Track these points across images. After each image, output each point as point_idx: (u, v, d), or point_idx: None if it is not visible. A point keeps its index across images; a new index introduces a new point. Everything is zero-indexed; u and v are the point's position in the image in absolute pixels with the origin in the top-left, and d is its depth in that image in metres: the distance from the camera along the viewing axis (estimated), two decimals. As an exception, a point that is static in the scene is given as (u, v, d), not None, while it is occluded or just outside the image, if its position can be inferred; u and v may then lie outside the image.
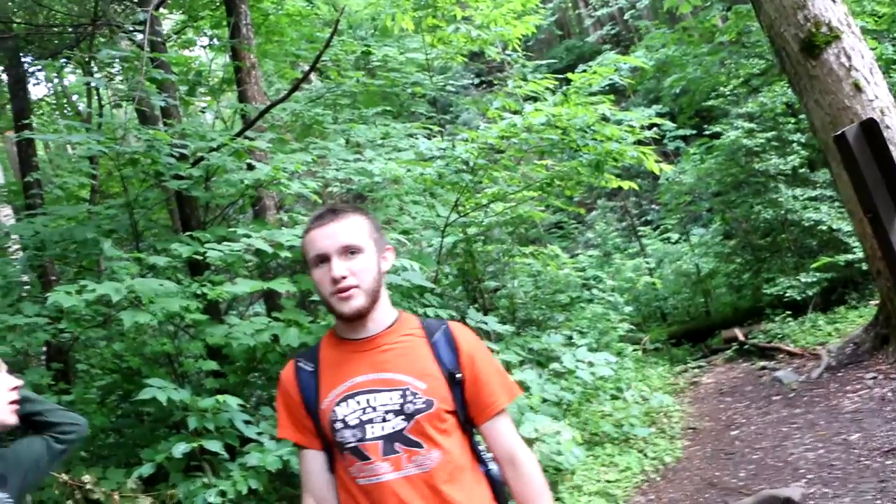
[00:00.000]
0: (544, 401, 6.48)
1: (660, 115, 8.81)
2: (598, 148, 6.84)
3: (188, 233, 5.98)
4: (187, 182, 6.14)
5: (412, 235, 7.63)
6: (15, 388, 2.15)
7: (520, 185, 8.15)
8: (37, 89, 19.83)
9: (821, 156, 9.97)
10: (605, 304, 10.94)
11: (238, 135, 6.47)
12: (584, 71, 7.44)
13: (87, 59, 9.10)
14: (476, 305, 8.17)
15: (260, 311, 8.12)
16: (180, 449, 4.52)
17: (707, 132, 14.05)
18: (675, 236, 17.66)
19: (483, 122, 10.24)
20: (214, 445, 4.56)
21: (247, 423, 4.88)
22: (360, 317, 2.07)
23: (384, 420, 2.02)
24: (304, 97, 9.90)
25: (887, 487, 4.99)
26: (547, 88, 7.63)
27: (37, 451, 2.32)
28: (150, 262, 5.23)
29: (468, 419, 2.13)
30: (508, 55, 11.66)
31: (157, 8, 7.11)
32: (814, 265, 10.96)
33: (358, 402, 2.04)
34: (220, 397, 4.67)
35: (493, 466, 2.19)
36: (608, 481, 6.49)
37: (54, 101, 14.74)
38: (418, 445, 2.02)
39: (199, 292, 5.03)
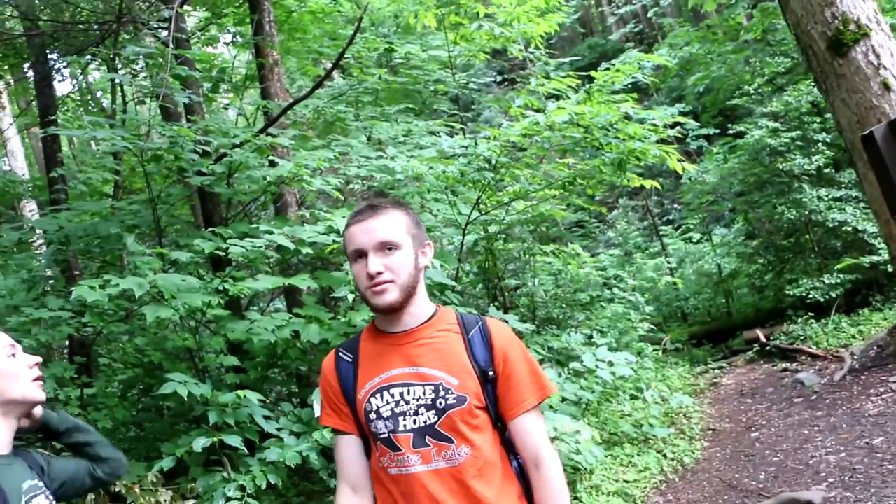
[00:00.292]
0: (563, 400, 6.46)
1: (683, 113, 8.75)
2: (621, 146, 6.81)
3: (210, 229, 6.02)
4: (210, 178, 6.17)
5: (433, 233, 7.63)
6: (35, 364, 2.18)
7: (541, 184, 8.13)
8: (62, 86, 20.07)
9: (846, 155, 9.85)
10: (625, 304, 10.88)
11: (261, 131, 6.50)
12: (607, 69, 7.41)
13: (111, 56, 9.17)
14: (496, 303, 8.16)
15: (281, 308, 8.15)
16: (200, 443, 4.56)
17: (731, 131, 13.96)
18: (696, 236, 17.56)
19: (505, 119, 10.23)
20: (234, 440, 4.59)
21: (266, 418, 4.91)
22: (395, 311, 2.11)
23: (416, 413, 2.06)
24: (326, 94, 9.93)
25: (911, 492, 4.94)
26: (569, 86, 7.59)
27: (81, 471, 2.39)
28: (172, 257, 5.27)
29: (499, 417, 2.15)
30: (531, 53, 11.62)
31: (181, 5, 7.16)
32: (838, 266, 10.86)
33: (392, 395, 2.08)
34: (240, 392, 4.70)
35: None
36: (626, 481, 6.46)
37: (79, 98, 14.89)
38: (448, 440, 2.06)
39: (220, 288, 5.05)
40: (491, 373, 2.11)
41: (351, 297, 5.15)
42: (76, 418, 2.44)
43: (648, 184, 7.53)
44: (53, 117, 9.06)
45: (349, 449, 2.20)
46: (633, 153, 6.86)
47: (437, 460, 2.05)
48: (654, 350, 11.49)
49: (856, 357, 8.68)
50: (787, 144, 12.03)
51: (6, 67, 11.60)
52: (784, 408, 8.13)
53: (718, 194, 15.43)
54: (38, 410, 2.25)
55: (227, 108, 11.56)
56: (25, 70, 11.61)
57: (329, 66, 8.57)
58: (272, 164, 6.41)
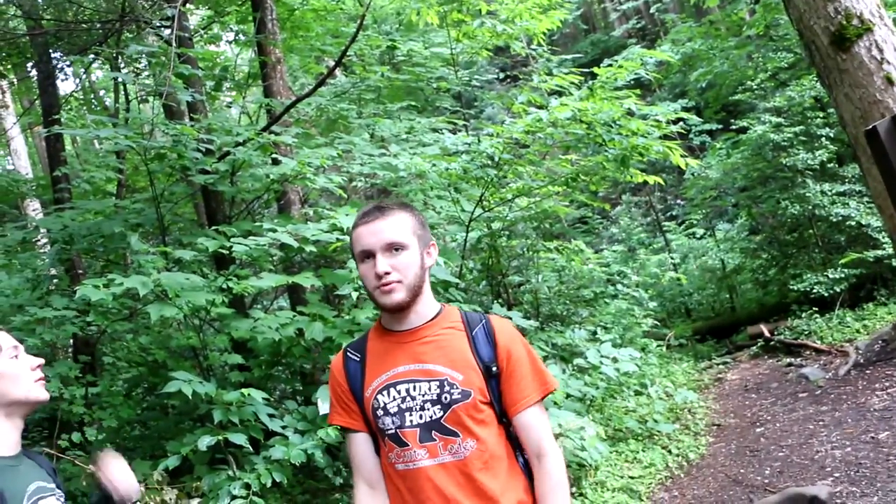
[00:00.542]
0: (568, 396, 6.47)
1: (686, 109, 8.76)
2: (624, 143, 6.81)
3: (214, 227, 6.02)
4: (213, 177, 6.18)
5: (437, 230, 7.63)
6: (38, 366, 2.19)
7: (545, 180, 8.13)
8: (65, 85, 20.05)
9: (849, 150, 9.84)
10: (629, 300, 10.88)
11: (264, 130, 6.50)
12: (610, 65, 7.41)
13: (114, 55, 9.18)
14: (500, 300, 8.16)
15: (285, 306, 8.15)
16: (205, 442, 4.57)
17: (734, 127, 13.94)
18: (700, 231, 17.56)
19: (508, 116, 10.20)
20: (239, 438, 4.60)
21: (271, 416, 4.92)
22: (402, 309, 2.16)
23: (422, 409, 2.11)
24: (329, 92, 9.91)
25: (916, 487, 4.94)
26: (572, 83, 7.59)
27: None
28: (176, 255, 5.27)
29: (504, 412, 2.19)
30: (533, 50, 11.60)
31: (184, 3, 7.15)
32: (842, 261, 10.84)
33: (398, 392, 2.14)
34: (244, 391, 4.71)
35: None
36: (632, 477, 6.46)
37: (82, 97, 14.89)
38: (454, 434, 2.10)
39: (224, 286, 5.06)
40: (494, 368, 2.15)
41: (355, 294, 5.15)
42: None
43: (652, 180, 7.53)
44: (57, 116, 9.05)
45: (361, 446, 2.25)
46: (636, 149, 6.85)
47: (443, 454, 2.10)
48: (658, 346, 11.48)
49: (860, 352, 8.67)
50: (791, 139, 12.02)
51: (10, 66, 11.62)
52: (789, 403, 8.12)
53: (722, 190, 15.42)
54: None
55: (229, 107, 11.58)
56: (29, 69, 11.62)
57: (331, 63, 8.57)
58: (275, 162, 6.41)
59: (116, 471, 2.35)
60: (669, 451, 7.18)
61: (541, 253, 9.74)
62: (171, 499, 4.44)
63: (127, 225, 6.21)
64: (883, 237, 10.61)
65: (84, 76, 13.41)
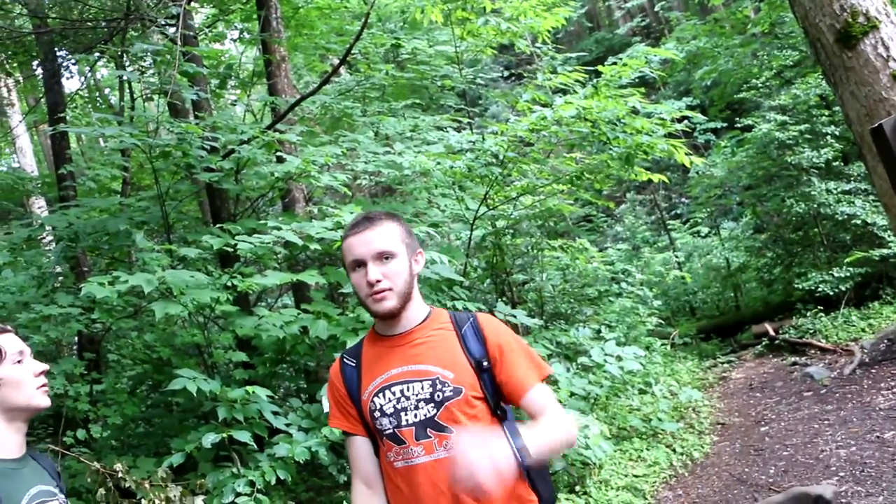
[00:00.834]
0: (572, 395, 6.47)
1: (690, 107, 8.75)
2: (629, 141, 6.80)
3: (218, 225, 6.03)
4: (218, 174, 6.18)
5: (441, 228, 7.63)
6: (42, 372, 2.19)
7: (549, 179, 8.12)
8: (71, 83, 20.10)
9: (855, 148, 9.81)
10: (633, 298, 10.88)
11: (268, 128, 6.50)
12: (615, 63, 7.38)
13: (119, 54, 9.18)
14: (504, 298, 8.16)
15: (289, 304, 8.16)
16: (210, 439, 4.58)
17: (738, 125, 13.91)
18: (704, 230, 17.53)
19: (512, 114, 10.20)
20: (243, 436, 4.61)
21: (275, 413, 4.93)
22: (394, 315, 2.25)
23: (417, 408, 2.19)
24: (333, 90, 9.91)
25: (921, 486, 4.93)
26: (577, 81, 7.58)
27: None
28: (180, 253, 5.27)
29: (498, 405, 2.25)
30: (538, 48, 11.59)
31: (189, 2, 7.16)
32: (847, 260, 10.82)
33: (393, 393, 2.22)
34: (249, 388, 4.71)
35: None
36: (636, 476, 6.46)
37: (88, 95, 14.90)
38: (448, 430, 2.17)
39: (229, 284, 5.07)
40: (486, 363, 2.23)
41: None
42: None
43: (656, 178, 7.52)
44: (62, 114, 9.06)
45: (359, 449, 2.33)
46: (640, 147, 6.85)
47: (438, 450, 2.17)
48: (662, 344, 11.47)
49: (866, 350, 8.65)
50: (796, 138, 11.99)
51: (15, 65, 11.65)
52: (794, 402, 8.11)
53: (726, 188, 15.40)
54: None
55: (234, 105, 11.58)
56: (34, 67, 11.65)
57: (336, 61, 8.56)
58: (280, 160, 6.42)
59: None
60: (674, 450, 7.17)
61: (545, 251, 9.74)
62: (175, 496, 4.45)
63: (132, 223, 6.22)
64: (889, 236, 10.59)
65: (89, 74, 13.42)
